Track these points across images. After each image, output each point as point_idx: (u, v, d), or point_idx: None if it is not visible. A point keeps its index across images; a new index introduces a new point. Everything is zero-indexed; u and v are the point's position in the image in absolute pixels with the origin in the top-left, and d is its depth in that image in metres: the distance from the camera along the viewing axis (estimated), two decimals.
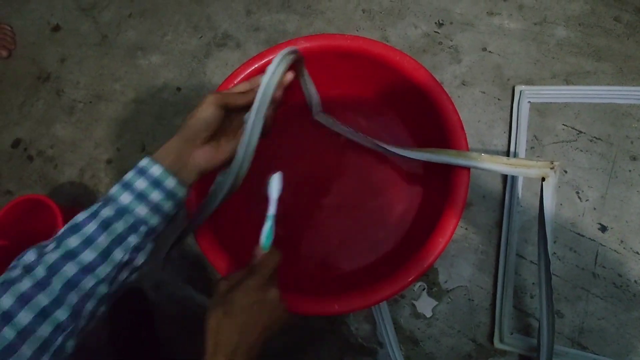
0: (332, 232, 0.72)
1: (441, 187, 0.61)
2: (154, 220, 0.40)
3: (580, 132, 0.75)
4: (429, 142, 0.67)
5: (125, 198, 0.38)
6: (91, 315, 0.37)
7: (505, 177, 0.75)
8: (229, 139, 0.47)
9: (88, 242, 0.37)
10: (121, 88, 0.97)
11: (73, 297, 0.35)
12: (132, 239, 0.39)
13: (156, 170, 0.39)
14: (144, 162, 0.40)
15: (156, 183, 0.39)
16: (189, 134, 0.42)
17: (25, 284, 0.34)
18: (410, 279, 0.55)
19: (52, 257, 0.35)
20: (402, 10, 0.89)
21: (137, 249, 0.40)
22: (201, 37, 0.97)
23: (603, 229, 0.70)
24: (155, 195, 0.39)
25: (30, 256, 0.36)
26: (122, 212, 0.38)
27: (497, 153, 0.77)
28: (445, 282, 0.73)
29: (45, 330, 0.33)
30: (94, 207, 0.38)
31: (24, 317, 0.32)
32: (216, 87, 0.66)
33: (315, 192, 0.73)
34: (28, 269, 0.35)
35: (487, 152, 0.76)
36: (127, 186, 0.39)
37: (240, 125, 0.48)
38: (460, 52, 0.84)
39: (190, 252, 0.83)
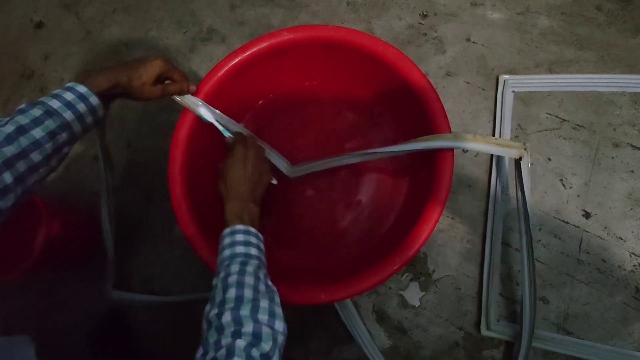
0: (321, 225, 0.72)
1: (427, 177, 0.61)
2: (80, 136, 0.49)
3: (564, 120, 0.76)
4: (415, 131, 0.67)
5: (68, 115, 0.46)
6: (17, 201, 0.43)
7: (490, 167, 0.76)
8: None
9: (37, 145, 0.43)
10: None
11: (19, 189, 0.42)
12: (65, 150, 0.47)
13: (94, 100, 0.48)
14: (83, 90, 0.47)
15: (92, 111, 0.48)
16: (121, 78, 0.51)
17: None
18: (395, 267, 0.56)
19: (6, 151, 0.40)
20: (387, 2, 0.89)
21: (64, 157, 0.48)
22: (186, 32, 0.96)
23: (587, 215, 0.71)
24: (89, 119, 0.48)
25: None
26: (64, 126, 0.45)
27: None
28: (433, 271, 0.73)
29: None
30: (35, 114, 0.43)
31: None
32: (201, 81, 0.65)
33: (304, 185, 0.73)
34: None
35: None
36: (70, 106, 0.46)
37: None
38: (444, 42, 0.84)
39: (179, 247, 0.82)
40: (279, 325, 0.41)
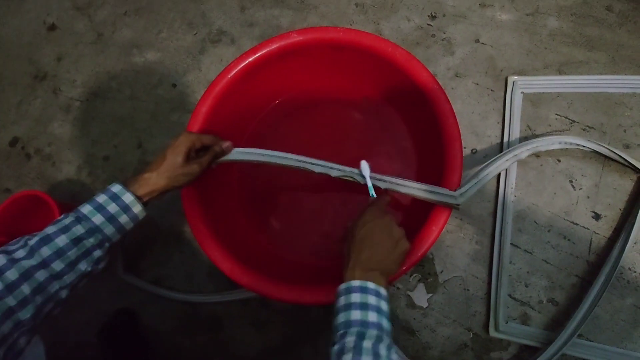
0: (338, 228, 0.72)
1: (435, 178, 0.61)
2: (117, 238, 0.49)
3: (574, 121, 0.76)
4: (424, 132, 0.67)
5: (98, 219, 0.46)
6: (47, 315, 0.43)
7: None
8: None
9: (59, 254, 0.43)
10: (117, 85, 0.97)
11: (38, 299, 0.41)
12: (97, 253, 0.46)
13: (127, 198, 0.48)
14: (116, 189, 0.48)
15: (126, 209, 0.48)
16: (161, 170, 0.52)
17: None
18: (404, 268, 0.56)
19: (26, 264, 0.40)
20: (395, 3, 0.90)
21: (99, 260, 0.47)
22: (196, 33, 0.97)
23: (597, 217, 0.71)
24: (123, 218, 0.48)
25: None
26: (93, 231, 0.46)
27: (490, 144, 0.78)
28: (441, 272, 0.73)
29: (7, 327, 0.37)
30: (65, 222, 0.44)
31: None
32: (211, 82, 0.66)
33: (324, 191, 0.74)
34: None
35: (481, 142, 0.77)
36: (101, 209, 0.46)
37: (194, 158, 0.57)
38: (453, 44, 0.84)
39: (189, 247, 0.83)
40: None
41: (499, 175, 0.75)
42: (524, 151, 0.70)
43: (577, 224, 0.71)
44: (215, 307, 0.80)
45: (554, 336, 0.65)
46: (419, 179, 0.71)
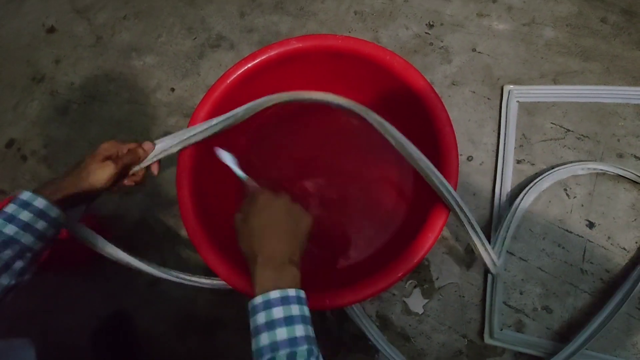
0: (323, 229, 0.73)
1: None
2: (39, 245, 0.44)
3: (568, 130, 0.76)
4: (420, 139, 0.68)
5: (10, 229, 0.41)
6: None
7: (494, 176, 0.76)
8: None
9: None
10: (115, 89, 0.97)
11: None
12: (18, 264, 0.42)
13: (40, 203, 0.43)
14: (26, 196, 0.43)
15: (41, 214, 0.43)
16: (74, 172, 0.49)
17: None
18: (400, 274, 0.56)
19: None
20: (394, 11, 0.91)
21: (22, 271, 0.43)
22: (195, 38, 0.98)
23: (591, 225, 0.71)
24: (40, 225, 0.43)
25: None
26: (6, 243, 0.41)
27: (486, 151, 0.78)
28: (436, 279, 0.74)
29: None
30: None
31: None
32: (209, 87, 0.67)
33: (311, 193, 0.74)
34: None
35: (477, 149, 0.78)
36: (11, 218, 0.42)
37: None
38: (450, 52, 0.85)
39: (185, 251, 0.83)
40: None
41: (494, 183, 0.76)
42: (544, 183, 0.73)
43: (571, 232, 0.71)
44: (210, 312, 0.79)
45: (549, 344, 0.65)
46: (416, 184, 0.71)
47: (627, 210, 0.71)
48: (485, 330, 0.69)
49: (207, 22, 0.98)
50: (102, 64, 1.00)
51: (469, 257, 0.73)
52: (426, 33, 0.88)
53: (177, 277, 0.69)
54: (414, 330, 0.72)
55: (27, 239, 0.42)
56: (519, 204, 0.71)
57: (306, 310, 0.39)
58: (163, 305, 0.80)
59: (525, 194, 0.71)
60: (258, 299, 0.38)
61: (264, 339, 0.36)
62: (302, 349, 0.36)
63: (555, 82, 0.80)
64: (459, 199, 0.55)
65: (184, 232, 0.83)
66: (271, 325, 0.36)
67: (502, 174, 0.75)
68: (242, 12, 0.98)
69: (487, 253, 0.61)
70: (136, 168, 0.57)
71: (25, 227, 0.42)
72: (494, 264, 0.62)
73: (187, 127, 0.65)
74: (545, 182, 0.72)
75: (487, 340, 0.69)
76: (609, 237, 0.70)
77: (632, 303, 0.67)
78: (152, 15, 1.02)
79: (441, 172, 0.61)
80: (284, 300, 0.38)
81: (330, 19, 0.93)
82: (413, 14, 0.90)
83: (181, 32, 0.99)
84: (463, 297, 0.72)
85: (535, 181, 0.72)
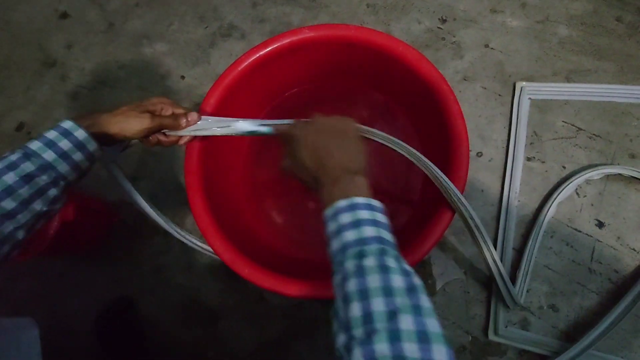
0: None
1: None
2: (73, 176, 0.44)
3: (580, 129, 0.76)
4: (430, 133, 0.68)
5: (49, 155, 0.42)
6: (4, 258, 0.40)
7: (503, 173, 0.76)
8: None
9: (9, 192, 0.39)
10: (125, 75, 0.97)
11: None
12: (52, 192, 0.43)
13: (80, 134, 0.44)
14: (68, 125, 0.44)
15: (79, 145, 0.44)
16: (115, 112, 0.48)
17: None
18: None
19: None
20: (407, 5, 0.90)
21: (55, 199, 0.43)
22: (207, 27, 0.98)
23: (600, 225, 0.71)
24: (77, 156, 0.44)
25: None
26: (44, 168, 0.42)
27: (496, 147, 0.78)
28: (442, 274, 0.73)
29: None
30: (11, 158, 0.41)
31: None
32: (219, 75, 0.66)
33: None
34: None
35: (486, 145, 0.77)
36: (51, 144, 0.42)
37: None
38: (462, 48, 0.85)
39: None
40: (441, 353, 0.26)
41: (503, 180, 0.75)
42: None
43: (580, 231, 0.71)
44: (213, 300, 0.79)
45: (554, 343, 0.65)
46: (425, 179, 0.71)
47: (638, 211, 0.70)
48: (490, 327, 0.69)
49: (219, 12, 0.98)
50: (113, 51, 1.00)
51: (476, 254, 0.73)
52: (438, 28, 0.87)
53: (188, 239, 0.69)
54: None
55: (63, 167, 0.43)
56: (537, 237, 0.70)
57: (380, 217, 0.37)
58: (167, 292, 0.80)
59: (540, 228, 0.70)
60: (328, 211, 0.38)
61: (334, 244, 0.36)
62: (373, 247, 0.34)
63: (568, 80, 0.79)
64: (480, 225, 0.56)
65: (190, 219, 0.83)
66: (339, 230, 0.36)
67: (511, 171, 0.75)
68: (255, 2, 0.97)
69: (508, 291, 0.61)
70: (171, 133, 0.55)
71: (63, 155, 0.43)
72: (514, 302, 0.62)
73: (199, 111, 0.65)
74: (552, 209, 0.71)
75: (492, 337, 0.68)
76: (618, 238, 0.69)
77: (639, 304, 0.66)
78: (164, 3, 1.02)
79: (451, 167, 0.60)
80: (351, 207, 0.37)
81: (343, 11, 0.93)
82: (426, 8, 0.89)
83: (193, 21, 0.99)
84: (468, 293, 0.72)
85: (545, 215, 0.71)
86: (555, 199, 0.70)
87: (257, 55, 0.69)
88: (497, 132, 0.78)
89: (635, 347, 0.64)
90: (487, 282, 0.71)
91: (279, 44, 0.69)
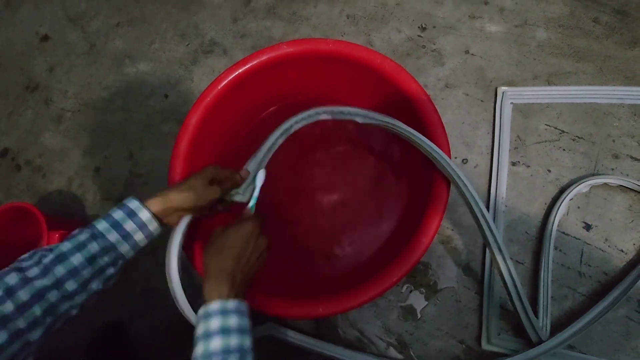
0: (318, 235, 0.72)
1: (425, 187, 0.61)
2: (131, 255, 0.47)
3: (563, 131, 0.76)
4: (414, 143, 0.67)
5: (113, 237, 0.44)
6: (55, 332, 0.42)
7: (489, 178, 0.76)
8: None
9: (73, 273, 0.41)
10: (109, 96, 0.97)
11: (48, 319, 0.40)
12: (110, 271, 0.45)
13: (144, 215, 0.46)
14: (133, 205, 0.46)
15: (142, 226, 0.46)
16: (182, 187, 0.51)
17: (8, 307, 0.37)
18: (394, 280, 0.55)
19: (39, 284, 0.39)
20: (386, 15, 0.90)
21: (111, 277, 0.46)
22: (188, 44, 0.98)
23: (587, 227, 0.71)
24: (138, 235, 0.46)
25: (12, 279, 0.38)
26: (108, 249, 0.44)
27: (481, 153, 0.78)
28: (433, 283, 0.73)
29: (15, 347, 0.36)
30: (80, 238, 0.43)
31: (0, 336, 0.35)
32: (201, 94, 0.66)
33: (301, 194, 0.74)
34: (10, 293, 0.37)
35: (471, 152, 0.77)
36: (116, 226, 0.44)
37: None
38: (443, 55, 0.85)
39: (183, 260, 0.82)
40: None
41: (489, 185, 0.75)
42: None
43: (568, 235, 0.71)
44: None
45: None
46: (410, 186, 0.71)
47: (624, 211, 0.70)
48: (483, 335, 0.68)
49: (200, 28, 0.98)
50: (96, 72, 1.00)
51: (466, 261, 0.73)
52: (418, 36, 0.88)
53: None
54: (411, 337, 0.71)
55: (124, 247, 0.45)
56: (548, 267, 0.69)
57: (245, 321, 0.43)
58: (159, 314, 0.79)
59: (548, 251, 0.69)
60: (201, 311, 0.43)
61: (199, 349, 0.41)
62: (234, 358, 0.40)
63: (548, 83, 0.79)
64: (498, 236, 0.58)
65: None
66: (207, 335, 0.41)
67: (497, 176, 0.75)
68: (235, 18, 0.97)
69: (530, 323, 0.62)
70: (233, 194, 0.58)
71: (126, 236, 0.45)
72: (537, 334, 0.62)
73: (179, 133, 0.65)
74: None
75: (485, 345, 0.68)
76: (606, 239, 0.69)
77: (632, 306, 0.66)
78: (145, 21, 1.02)
79: (435, 174, 0.60)
80: (223, 312, 0.42)
81: (323, 23, 0.93)
82: (405, 17, 0.90)
83: (174, 39, 0.99)
84: (460, 301, 0.71)
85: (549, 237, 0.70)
86: (554, 220, 0.70)
87: (237, 72, 0.69)
88: (481, 138, 0.78)
89: (627, 350, 0.64)
90: (479, 290, 0.71)
91: (257, 60, 0.69)
